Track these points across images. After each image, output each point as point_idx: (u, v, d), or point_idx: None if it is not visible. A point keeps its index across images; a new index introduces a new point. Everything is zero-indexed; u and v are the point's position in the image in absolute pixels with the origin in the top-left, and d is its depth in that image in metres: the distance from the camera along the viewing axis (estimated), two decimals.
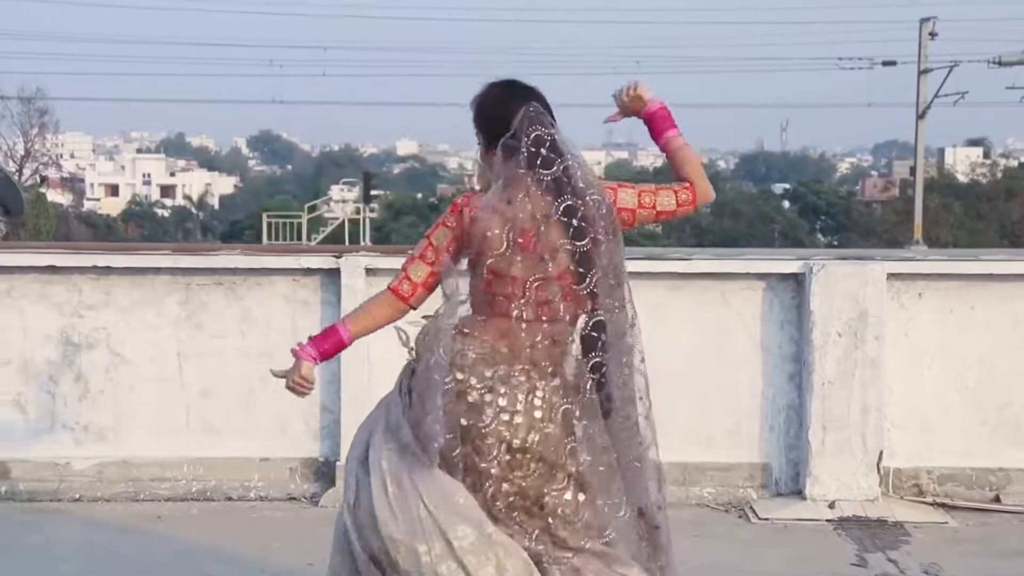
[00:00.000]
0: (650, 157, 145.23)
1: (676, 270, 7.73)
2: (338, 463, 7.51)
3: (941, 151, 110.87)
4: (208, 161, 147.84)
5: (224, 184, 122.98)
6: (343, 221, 54.32)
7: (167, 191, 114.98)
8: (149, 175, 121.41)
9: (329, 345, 4.57)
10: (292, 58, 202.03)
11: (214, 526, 7.14)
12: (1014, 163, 79.55)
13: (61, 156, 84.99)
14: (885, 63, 49.81)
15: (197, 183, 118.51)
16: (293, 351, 4.56)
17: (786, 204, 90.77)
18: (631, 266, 7.14)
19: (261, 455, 7.76)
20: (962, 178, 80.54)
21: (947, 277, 7.72)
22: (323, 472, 7.72)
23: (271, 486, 7.72)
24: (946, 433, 7.71)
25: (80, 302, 7.73)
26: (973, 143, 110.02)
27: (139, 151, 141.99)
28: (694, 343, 7.74)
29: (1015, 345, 7.68)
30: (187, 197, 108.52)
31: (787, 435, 7.70)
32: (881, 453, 7.52)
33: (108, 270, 7.72)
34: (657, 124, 4.74)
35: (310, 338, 4.60)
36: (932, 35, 48.90)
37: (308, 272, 7.74)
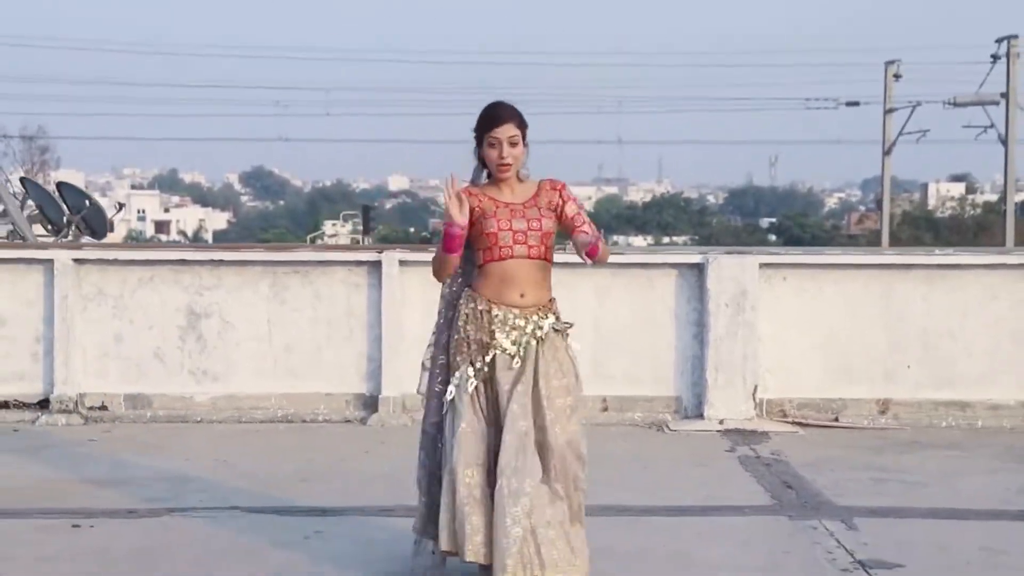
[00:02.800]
0: (640, 192, 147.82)
1: (617, 261, 11.05)
2: (380, 396, 10.84)
3: (925, 186, 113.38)
4: (201, 197, 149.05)
5: (218, 219, 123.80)
6: None
7: (162, 227, 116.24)
8: (143, 211, 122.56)
9: (592, 246, 6.10)
10: (295, 99, 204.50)
11: (298, 437, 10.45)
12: (994, 198, 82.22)
13: (56, 192, 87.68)
14: (848, 103, 52.52)
15: (191, 218, 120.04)
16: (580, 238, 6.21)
17: (772, 237, 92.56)
18: None
19: (326, 391, 11.07)
20: (940, 213, 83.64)
21: (803, 266, 11.10)
22: (369, 403, 11.01)
23: (332, 412, 11.02)
24: (802, 374, 11.05)
25: (200, 284, 11.07)
26: (956, 179, 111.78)
27: (132, 187, 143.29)
28: (629, 314, 11.07)
29: (850, 313, 11.02)
30: (182, 232, 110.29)
31: (692, 376, 11.00)
32: (756, 387, 10.85)
33: (220, 262, 11.09)
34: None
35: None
36: (896, 76, 51.71)
37: (359, 263, 11.08)
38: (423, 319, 10.24)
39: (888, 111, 51.76)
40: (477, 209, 6.18)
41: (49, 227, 16.25)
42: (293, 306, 11.11)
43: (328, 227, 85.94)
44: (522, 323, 6.18)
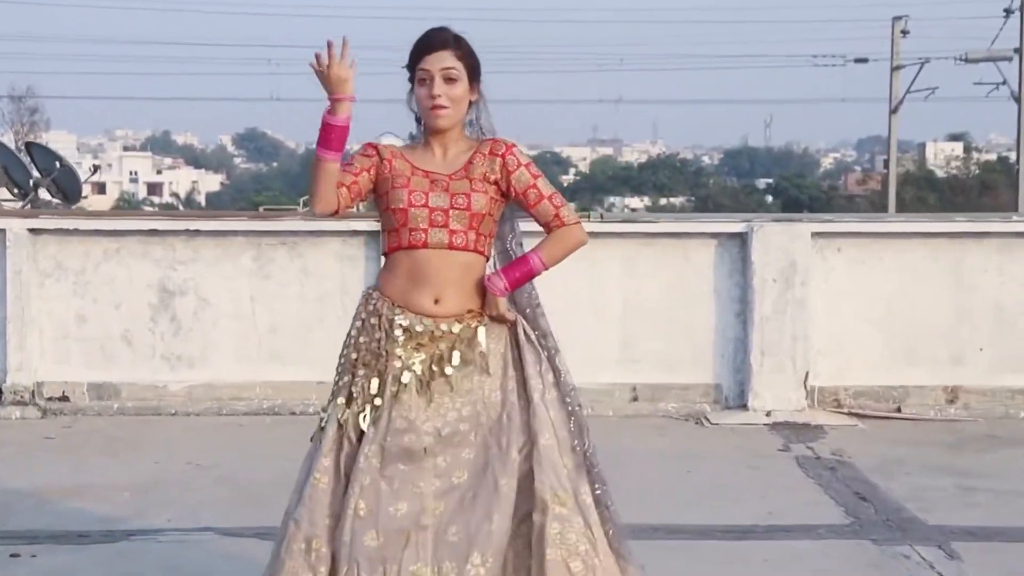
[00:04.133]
0: (635, 153, 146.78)
1: (646, 231, 9.74)
2: None
3: (922, 146, 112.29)
4: (194, 159, 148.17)
5: (211, 181, 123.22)
6: None
7: (154, 189, 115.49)
8: (136, 173, 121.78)
9: (520, 274, 4.44)
10: (287, 56, 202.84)
11: (285, 431, 9.14)
12: (992, 157, 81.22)
13: (24, 153, 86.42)
14: (857, 60, 51.36)
15: (184, 180, 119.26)
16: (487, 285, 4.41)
17: (769, 198, 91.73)
18: (613, 227, 9.32)
19: (317, 379, 9.71)
20: (940, 172, 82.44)
21: (859, 235, 9.77)
22: None
23: (325, 402, 9.69)
24: (859, 358, 9.74)
25: (174, 258, 9.73)
26: (954, 138, 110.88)
27: (125, 149, 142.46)
28: (661, 289, 9.75)
29: (911, 288, 9.71)
30: (174, 195, 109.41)
31: (735, 360, 9.70)
32: (807, 373, 9.54)
33: (197, 233, 9.73)
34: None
35: (497, 271, 4.47)
36: (904, 33, 50.41)
37: (355, 234, 9.74)
38: None
39: (895, 68, 50.45)
40: (386, 172, 4.45)
41: (16, 191, 14.86)
42: (279, 282, 9.78)
43: None
44: (434, 339, 4.42)
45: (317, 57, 4.22)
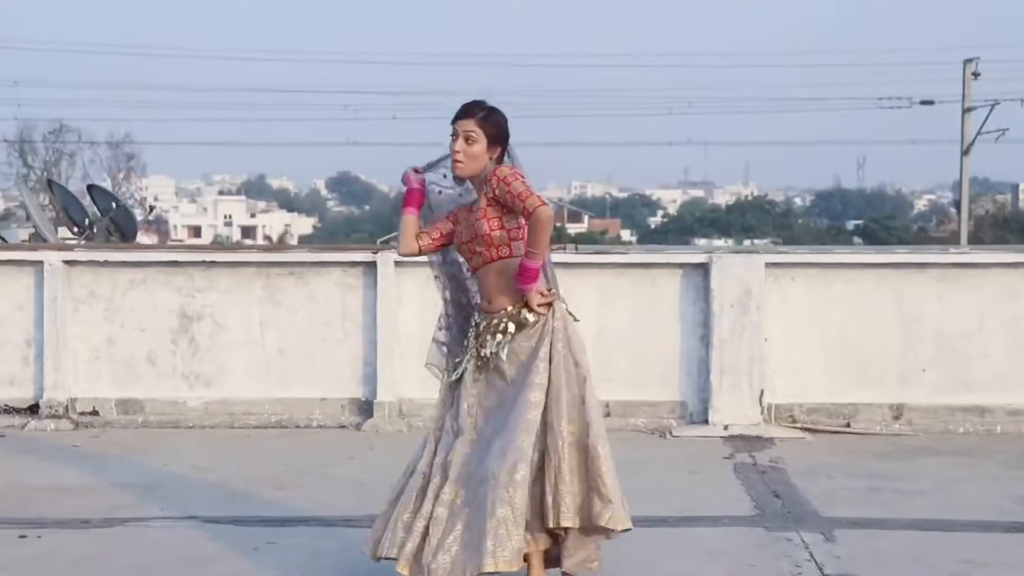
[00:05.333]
0: (726, 195, 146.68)
1: (619, 261, 10.69)
2: (375, 401, 10.55)
3: (1015, 186, 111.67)
4: (287, 202, 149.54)
5: (303, 224, 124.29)
6: None
7: (248, 232, 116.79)
8: (230, 216, 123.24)
9: (526, 275, 5.82)
10: (365, 103, 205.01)
11: (289, 442, 10.18)
12: None
13: (145, 199, 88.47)
14: (923, 102, 51.62)
15: (277, 223, 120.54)
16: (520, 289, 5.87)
17: (857, 240, 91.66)
18: (589, 258, 10.27)
19: (321, 396, 10.80)
20: None
21: (812, 265, 10.68)
22: (364, 408, 10.72)
23: (327, 418, 10.74)
24: (813, 378, 10.62)
25: (193, 286, 10.84)
26: None
27: (221, 193, 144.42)
28: (632, 315, 10.70)
29: (861, 314, 10.58)
30: (267, 237, 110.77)
31: (698, 380, 10.62)
32: (763, 391, 10.44)
33: (213, 264, 10.85)
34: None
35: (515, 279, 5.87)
36: (975, 75, 50.85)
37: (354, 264, 10.79)
38: (419, 321, 9.98)
39: (967, 110, 50.76)
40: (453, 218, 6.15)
41: (75, 229, 16.09)
42: (287, 308, 10.85)
43: None
44: (496, 324, 6.00)
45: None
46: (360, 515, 7.52)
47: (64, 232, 16.54)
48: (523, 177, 5.88)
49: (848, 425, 10.50)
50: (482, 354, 5.99)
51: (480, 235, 5.90)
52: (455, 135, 5.91)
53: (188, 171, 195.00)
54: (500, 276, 5.96)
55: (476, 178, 5.96)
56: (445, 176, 6.13)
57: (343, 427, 10.66)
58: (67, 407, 10.71)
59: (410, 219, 6.06)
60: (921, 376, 10.56)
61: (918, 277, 10.57)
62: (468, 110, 5.93)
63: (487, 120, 5.93)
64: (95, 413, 10.76)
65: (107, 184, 77.26)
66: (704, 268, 10.57)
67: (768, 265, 10.51)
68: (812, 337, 10.62)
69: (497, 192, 5.84)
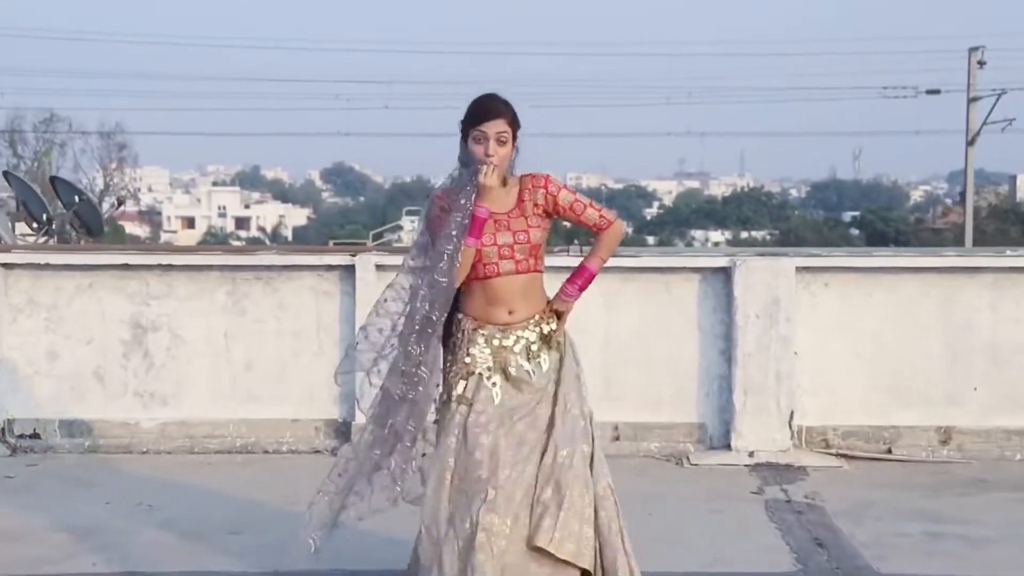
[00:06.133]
0: (722, 186, 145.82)
1: (627, 265, 9.45)
2: (353, 423, 9.30)
3: (1013, 178, 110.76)
4: (282, 193, 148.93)
5: (297, 216, 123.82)
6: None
7: (242, 223, 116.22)
8: (224, 207, 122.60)
9: (583, 280, 5.64)
10: (357, 92, 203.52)
11: (254, 471, 8.94)
12: None
13: (139, 189, 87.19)
14: (929, 92, 50.53)
15: (271, 215, 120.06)
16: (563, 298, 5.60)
17: (855, 231, 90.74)
18: None
19: (292, 417, 9.55)
20: None
21: (847, 270, 9.42)
22: (342, 430, 9.48)
23: (300, 441, 9.50)
24: (848, 397, 9.38)
25: (147, 293, 9.57)
26: None
27: (215, 184, 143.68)
28: (643, 325, 9.46)
29: (902, 324, 9.35)
30: (261, 228, 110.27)
31: (719, 399, 9.38)
32: (792, 413, 9.21)
33: (170, 267, 9.57)
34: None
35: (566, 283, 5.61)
36: (981, 64, 49.68)
37: (329, 268, 9.54)
38: None
39: (972, 100, 49.60)
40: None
41: (34, 225, 14.85)
42: (254, 317, 9.59)
43: (407, 222, 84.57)
44: (511, 341, 5.53)
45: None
46: (329, 568, 6.34)
47: (24, 229, 15.30)
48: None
49: (889, 451, 9.27)
50: (510, 373, 5.49)
51: (531, 243, 5.49)
52: (482, 138, 5.42)
53: (182, 162, 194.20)
54: (529, 285, 5.54)
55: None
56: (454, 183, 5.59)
57: (317, 452, 9.42)
58: (3, 430, 9.47)
59: (471, 251, 5.42)
60: (972, 395, 9.33)
61: (968, 283, 9.33)
62: (496, 110, 5.47)
63: (514, 116, 5.52)
64: (36, 436, 9.51)
65: (99, 175, 76.14)
66: (726, 273, 9.33)
67: (798, 269, 9.26)
68: (848, 351, 9.38)
69: (559, 202, 5.53)
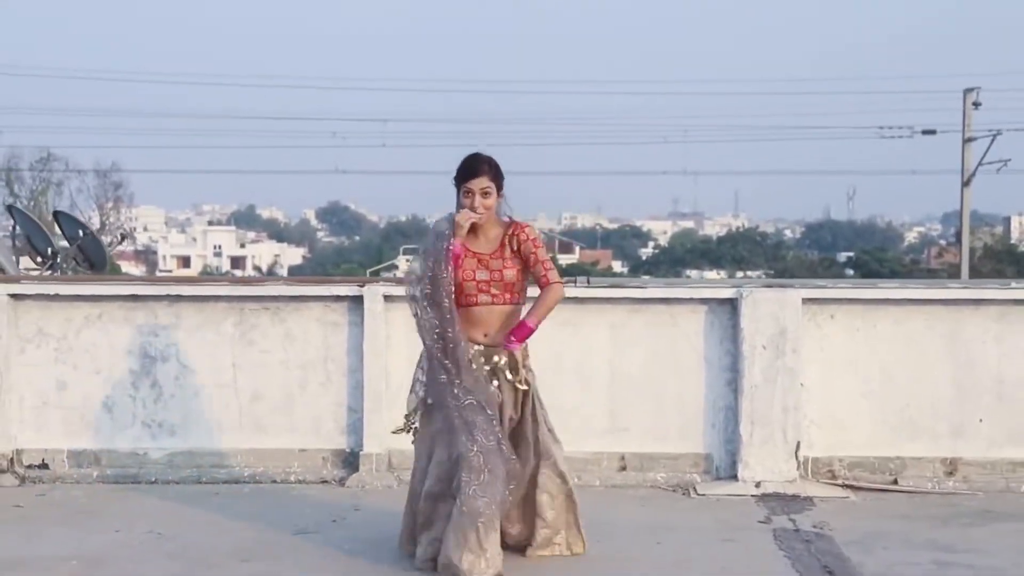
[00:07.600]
0: (716, 226, 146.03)
1: (634, 296, 9.49)
2: (361, 453, 9.33)
3: (1007, 219, 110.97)
4: (277, 232, 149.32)
5: (293, 255, 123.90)
6: None
7: (237, 262, 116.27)
8: (220, 246, 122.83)
9: (522, 333, 6.90)
10: (353, 130, 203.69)
11: (262, 500, 8.94)
12: None
13: (135, 229, 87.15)
14: (925, 132, 50.56)
15: (267, 254, 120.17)
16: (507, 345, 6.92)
17: (850, 272, 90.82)
18: (600, 292, 9.20)
19: (300, 447, 9.56)
20: (1023, 247, 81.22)
21: (854, 301, 9.45)
22: (349, 460, 9.50)
23: (307, 471, 9.51)
24: (854, 428, 9.40)
25: (156, 324, 9.60)
26: None
27: (210, 223, 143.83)
28: (649, 356, 9.49)
29: (908, 356, 9.38)
30: (256, 268, 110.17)
31: (726, 430, 9.41)
32: (799, 444, 9.23)
33: (178, 298, 9.60)
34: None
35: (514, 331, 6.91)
36: (976, 104, 49.74)
37: (338, 299, 9.57)
38: (411, 363, 8.68)
39: (967, 140, 49.67)
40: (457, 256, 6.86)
41: (39, 259, 14.86)
42: (262, 348, 9.61)
43: (403, 261, 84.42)
44: (481, 360, 6.89)
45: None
46: None
47: (28, 263, 15.31)
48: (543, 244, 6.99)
49: (895, 482, 9.29)
50: (519, 387, 6.94)
51: (504, 281, 6.87)
52: (469, 193, 6.80)
53: (178, 201, 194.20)
54: (506, 315, 6.95)
55: (488, 222, 6.95)
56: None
57: (325, 482, 9.43)
58: (12, 460, 9.47)
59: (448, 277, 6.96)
60: (977, 427, 9.36)
61: (974, 315, 9.37)
62: (478, 168, 6.81)
63: (496, 171, 6.86)
64: (44, 466, 9.52)
65: (95, 214, 76.17)
66: (732, 304, 9.37)
67: (805, 301, 9.30)
68: (854, 383, 9.41)
69: (523, 249, 6.86)
